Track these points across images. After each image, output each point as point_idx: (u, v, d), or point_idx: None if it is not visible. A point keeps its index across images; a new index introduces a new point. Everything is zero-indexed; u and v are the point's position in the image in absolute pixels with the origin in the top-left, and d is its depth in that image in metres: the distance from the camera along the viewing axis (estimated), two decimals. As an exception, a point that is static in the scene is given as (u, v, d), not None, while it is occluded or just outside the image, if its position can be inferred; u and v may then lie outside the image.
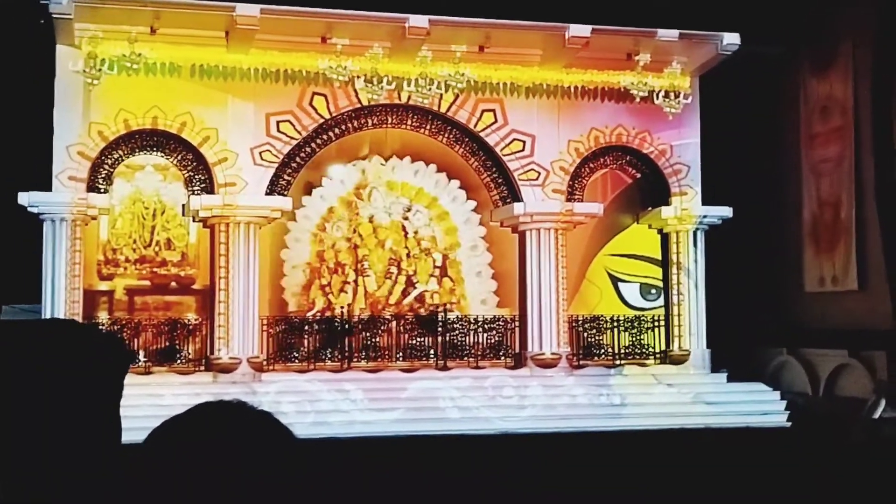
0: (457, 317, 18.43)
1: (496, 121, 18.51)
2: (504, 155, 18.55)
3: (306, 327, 17.90)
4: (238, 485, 1.69)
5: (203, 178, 17.52)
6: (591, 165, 19.08)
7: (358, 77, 17.27)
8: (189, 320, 17.46)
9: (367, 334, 18.06)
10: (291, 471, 1.75)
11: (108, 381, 1.98)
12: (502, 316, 18.66)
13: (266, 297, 17.88)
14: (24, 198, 16.37)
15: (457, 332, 18.37)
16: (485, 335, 18.54)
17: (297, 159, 17.99)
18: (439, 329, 18.23)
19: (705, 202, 18.96)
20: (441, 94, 17.89)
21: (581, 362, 18.55)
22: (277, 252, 18.28)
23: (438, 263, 18.74)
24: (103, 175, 17.20)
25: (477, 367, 18.20)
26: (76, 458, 1.90)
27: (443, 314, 18.34)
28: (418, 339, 18.26)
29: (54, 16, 15.66)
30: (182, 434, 1.76)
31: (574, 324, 18.71)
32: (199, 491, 1.68)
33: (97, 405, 1.95)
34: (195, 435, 1.75)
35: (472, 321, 18.50)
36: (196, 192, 17.46)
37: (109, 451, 1.96)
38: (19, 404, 1.88)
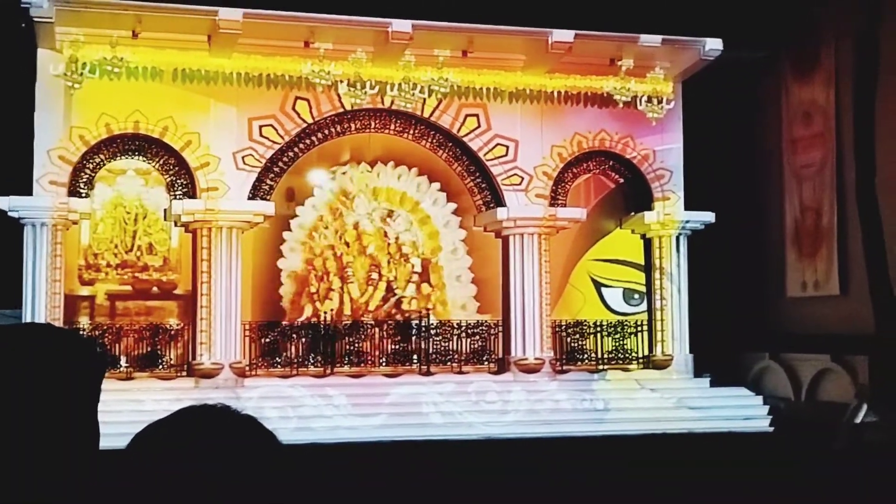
0: (437, 322, 18.40)
1: (479, 125, 18.51)
2: (487, 160, 18.55)
3: (290, 333, 17.84)
4: (223, 489, 1.67)
5: (185, 182, 17.46)
6: (575, 170, 19.11)
7: (341, 81, 17.24)
8: (171, 325, 17.38)
9: (351, 340, 18.02)
10: (276, 475, 1.73)
11: (84, 384, 1.96)
12: (485, 321, 18.66)
13: (259, 303, 17.85)
14: (4, 202, 16.29)
15: (440, 337, 18.35)
16: (468, 340, 18.52)
17: (280, 164, 17.95)
18: (414, 334, 18.19)
19: (688, 207, 19.00)
20: (424, 99, 17.88)
21: (564, 367, 18.55)
22: (271, 259, 18.22)
23: (417, 269, 18.71)
24: (84, 179, 17.12)
25: (460, 373, 18.18)
26: (53, 463, 1.87)
27: (420, 320, 18.30)
28: (401, 345, 18.23)
29: (35, 19, 15.59)
30: (166, 438, 1.74)
31: (557, 329, 18.71)
32: (184, 495, 1.66)
33: (74, 409, 1.92)
34: (179, 439, 1.72)
35: (456, 326, 18.48)
36: (178, 197, 17.40)
37: (87, 455, 1.93)
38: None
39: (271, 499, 1.70)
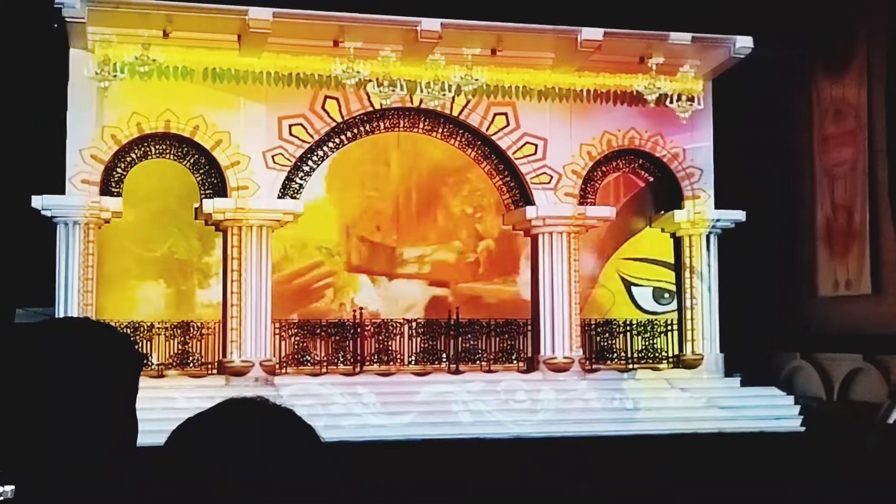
0: (466, 321, 18.38)
1: (508, 124, 18.50)
2: (516, 158, 18.53)
3: (319, 331, 17.89)
4: (265, 480, 1.68)
5: (215, 181, 17.56)
6: (604, 169, 19.06)
7: (370, 80, 17.28)
8: (201, 323, 17.47)
9: (380, 338, 18.06)
10: (318, 466, 1.74)
11: (123, 378, 1.99)
12: (515, 320, 18.63)
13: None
14: (37, 201, 16.42)
15: (469, 335, 18.34)
16: (497, 339, 18.51)
17: (310, 163, 18.00)
18: (443, 333, 18.22)
19: (718, 206, 18.90)
20: (453, 98, 17.89)
21: (594, 366, 18.51)
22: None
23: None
24: (116, 178, 17.25)
25: (489, 371, 18.17)
26: (94, 455, 1.90)
27: (450, 319, 18.30)
28: (430, 343, 18.24)
29: (68, 20, 15.72)
30: (206, 430, 1.75)
31: (587, 328, 18.67)
32: (227, 486, 1.67)
33: (112, 402, 1.95)
34: (221, 430, 1.74)
35: (485, 325, 18.47)
36: (208, 196, 17.49)
37: (127, 448, 1.96)
38: (39, 401, 1.88)
39: (313, 490, 1.72)
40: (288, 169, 17.70)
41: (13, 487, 1.86)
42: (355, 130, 18.28)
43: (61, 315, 16.01)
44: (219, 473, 1.68)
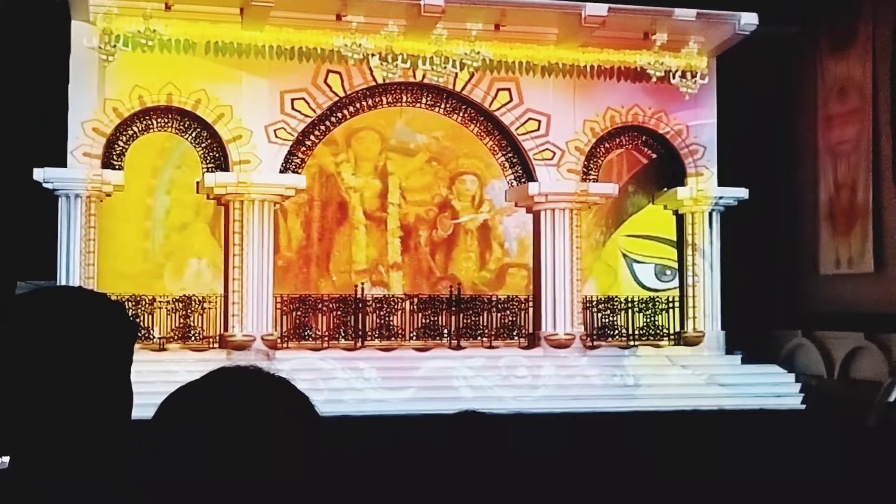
0: (468, 297, 18.38)
1: (511, 100, 18.44)
2: (519, 134, 18.49)
3: (320, 306, 17.91)
4: (257, 449, 1.67)
5: (217, 155, 17.53)
6: (607, 145, 19.02)
7: (373, 55, 17.23)
8: (203, 297, 17.47)
9: (382, 313, 18.07)
10: (311, 436, 1.73)
11: (117, 347, 1.98)
12: (516, 296, 18.63)
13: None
14: (39, 174, 16.40)
15: (470, 311, 18.35)
16: (498, 315, 18.52)
17: (312, 137, 17.97)
18: (444, 308, 18.21)
19: (721, 183, 18.87)
20: (456, 73, 17.83)
21: (595, 343, 18.53)
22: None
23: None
24: (118, 151, 17.23)
25: (490, 347, 18.20)
26: (88, 426, 1.89)
27: (451, 294, 18.30)
28: (432, 318, 18.26)
29: (69, -9, 15.65)
30: (199, 398, 1.74)
31: (588, 304, 18.67)
32: (218, 455, 1.66)
33: (107, 371, 1.94)
34: (212, 399, 1.73)
35: (486, 301, 18.48)
36: (210, 170, 17.47)
37: (121, 417, 1.95)
38: (31, 371, 1.87)
39: (307, 458, 1.71)
40: (290, 143, 17.66)
41: (7, 458, 1.85)
42: (358, 105, 18.23)
43: (63, 288, 16.01)
44: (210, 441, 1.67)
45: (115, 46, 16.29)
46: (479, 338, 18.32)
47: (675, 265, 19.24)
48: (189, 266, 17.51)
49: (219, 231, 17.68)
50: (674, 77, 18.12)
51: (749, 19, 17.76)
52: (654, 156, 19.35)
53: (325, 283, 18.09)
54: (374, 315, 18.08)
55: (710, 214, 18.93)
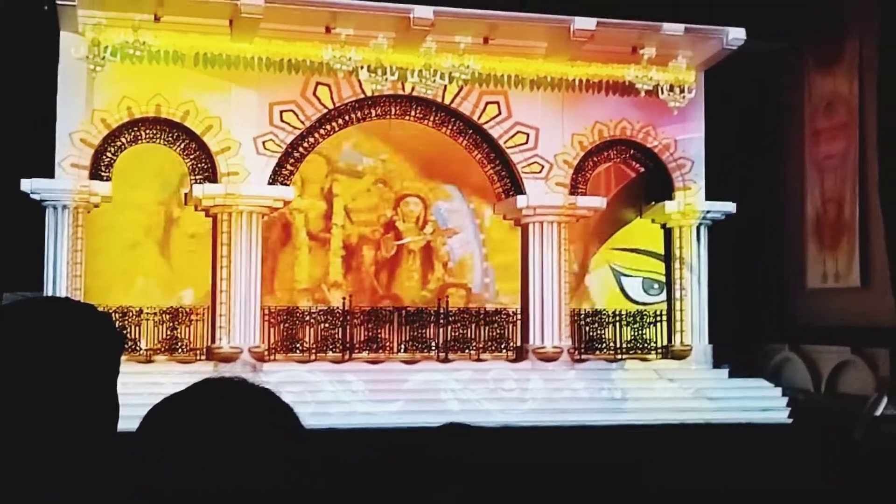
0: (455, 310, 18.39)
1: (500, 113, 18.47)
2: (508, 147, 18.52)
3: (308, 318, 17.88)
4: (241, 461, 1.67)
5: (206, 166, 17.51)
6: (595, 159, 19.06)
7: (362, 67, 17.25)
8: (190, 309, 17.43)
9: (369, 325, 18.05)
10: (295, 447, 1.73)
11: (103, 358, 1.97)
12: (504, 308, 18.64)
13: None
14: (26, 184, 16.36)
15: (458, 324, 18.35)
16: (486, 328, 18.51)
17: (300, 149, 17.97)
18: (432, 321, 18.21)
19: (709, 197, 18.92)
20: (445, 86, 17.86)
21: (582, 356, 18.53)
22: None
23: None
24: (106, 162, 17.19)
25: (478, 360, 18.19)
26: (72, 438, 1.88)
27: (438, 307, 18.31)
28: (420, 331, 18.25)
29: (58, 2, 15.65)
30: (183, 410, 1.74)
31: (576, 317, 18.68)
32: (202, 467, 1.66)
33: (92, 382, 1.93)
34: (196, 410, 1.72)
35: (474, 314, 18.48)
36: (198, 181, 17.45)
37: (106, 429, 1.94)
38: (15, 382, 1.86)
39: (290, 470, 1.70)
40: (279, 155, 17.65)
41: None
42: (347, 117, 18.24)
43: (49, 299, 15.94)
44: (195, 452, 1.66)
45: (103, 57, 16.28)
46: (466, 350, 18.31)
47: (663, 279, 19.27)
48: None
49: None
50: (662, 91, 18.18)
51: (737, 34, 17.84)
52: (642, 169, 19.40)
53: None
54: (362, 327, 18.06)
55: (698, 228, 18.98)
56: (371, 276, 18.61)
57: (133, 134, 17.36)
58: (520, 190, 18.53)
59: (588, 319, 18.83)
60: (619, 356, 18.68)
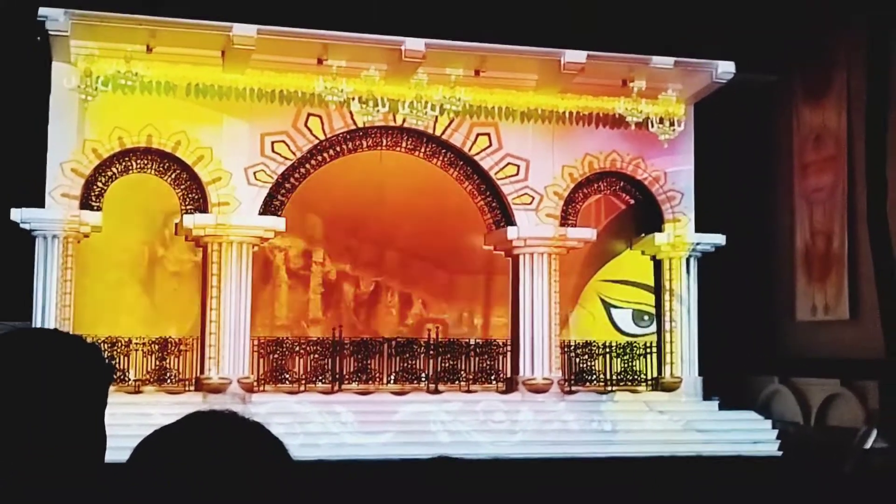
0: (446, 341, 18.36)
1: (491, 144, 18.54)
2: (498, 179, 18.57)
3: (297, 349, 17.84)
4: (230, 494, 1.67)
5: (196, 196, 17.51)
6: (585, 191, 19.12)
7: (353, 99, 17.30)
8: (179, 339, 17.36)
9: (359, 356, 18.01)
10: (284, 481, 1.73)
11: (91, 389, 1.97)
12: (494, 340, 18.63)
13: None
14: (16, 214, 16.33)
15: (448, 355, 18.32)
16: (476, 359, 18.49)
17: (292, 180, 17.99)
18: (422, 352, 18.17)
19: (698, 229, 18.98)
20: (436, 118, 17.92)
21: (573, 388, 18.50)
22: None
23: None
24: (97, 192, 17.19)
25: (468, 391, 18.14)
26: (61, 467, 1.88)
27: (429, 338, 18.28)
28: (410, 362, 18.21)
29: (51, 33, 15.68)
30: (173, 443, 1.74)
31: (566, 349, 18.67)
32: (191, 500, 1.65)
33: (80, 414, 1.93)
34: (186, 443, 1.72)
35: (464, 345, 18.46)
36: (189, 211, 17.44)
37: (94, 460, 1.93)
38: (4, 412, 1.86)
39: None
40: (269, 186, 17.67)
41: None
42: (338, 148, 18.28)
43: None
44: (184, 486, 1.66)
45: (95, 88, 16.31)
46: (456, 382, 18.27)
47: (653, 310, 19.29)
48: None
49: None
50: (652, 124, 18.26)
51: (726, 67, 17.97)
52: (632, 201, 19.46)
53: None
54: (352, 358, 18.02)
55: (688, 260, 19.02)
56: (351, 313, 18.58)
57: (124, 164, 17.37)
58: (510, 221, 18.56)
59: (578, 351, 18.82)
60: (610, 388, 18.66)
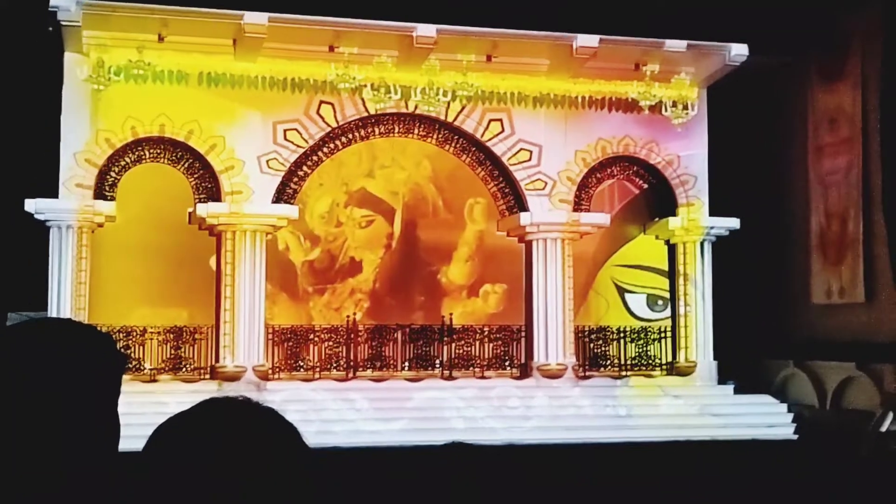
0: (460, 327, 18.37)
1: (503, 130, 18.50)
2: (511, 164, 18.53)
3: (312, 336, 17.87)
4: (245, 481, 1.67)
5: (210, 185, 17.54)
6: (599, 175, 19.07)
7: (365, 86, 17.28)
8: (194, 328, 17.41)
9: (373, 343, 18.03)
10: (299, 467, 1.73)
11: (104, 379, 1.97)
12: (508, 326, 18.62)
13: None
14: (30, 205, 16.40)
15: (462, 342, 18.33)
16: (490, 345, 18.49)
17: (304, 168, 17.99)
18: (437, 339, 18.20)
19: (713, 213, 18.92)
20: (448, 104, 17.89)
21: (587, 373, 18.50)
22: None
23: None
24: (110, 182, 17.23)
25: (483, 378, 18.15)
26: (75, 456, 1.88)
27: (443, 324, 18.29)
28: (424, 349, 18.23)
29: (63, 23, 15.71)
30: (188, 429, 1.74)
31: (580, 334, 18.66)
32: (206, 487, 1.66)
33: (94, 403, 1.93)
34: (201, 430, 1.73)
35: (478, 331, 18.46)
36: (202, 200, 17.47)
37: (108, 449, 1.94)
38: (19, 402, 1.87)
39: (294, 492, 1.70)
40: (282, 174, 17.68)
41: None
42: (350, 135, 18.28)
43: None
44: (199, 473, 1.66)
45: (108, 78, 16.34)
46: (471, 368, 18.29)
47: (667, 295, 19.25)
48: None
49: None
50: (665, 107, 18.20)
51: (739, 50, 17.87)
52: (646, 186, 19.41)
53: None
54: (367, 345, 18.05)
55: (702, 244, 18.97)
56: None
57: (137, 154, 17.40)
58: (523, 207, 18.54)
59: (593, 336, 18.80)
60: (624, 373, 18.65)
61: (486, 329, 18.53)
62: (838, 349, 17.29)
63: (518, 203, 18.69)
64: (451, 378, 18.00)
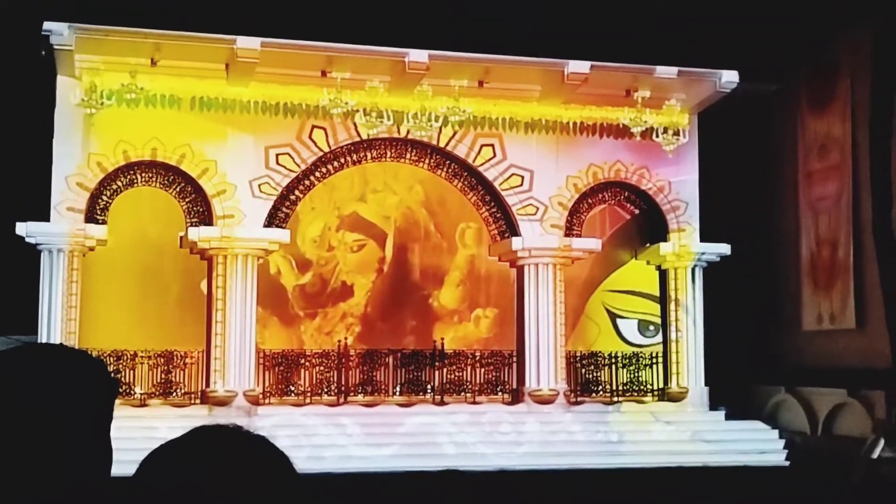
0: (451, 352, 18.34)
1: (495, 155, 18.55)
2: (503, 190, 18.57)
3: (303, 361, 17.82)
4: None
5: (201, 209, 17.53)
6: (590, 201, 19.11)
7: (357, 110, 17.31)
8: (185, 352, 17.36)
9: (365, 368, 17.99)
10: (289, 495, 1.72)
11: (96, 404, 1.96)
12: (500, 351, 18.60)
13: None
14: (21, 228, 16.36)
15: (454, 367, 18.29)
16: (482, 370, 18.46)
17: (296, 192, 18.00)
18: (428, 364, 18.17)
19: (703, 239, 18.96)
20: (440, 129, 17.93)
21: (578, 399, 18.46)
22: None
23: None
24: (102, 206, 17.21)
25: (474, 403, 18.11)
26: (68, 482, 1.87)
27: (434, 350, 18.26)
28: (416, 374, 18.19)
29: (55, 47, 15.73)
30: (178, 458, 1.73)
31: (572, 360, 18.64)
32: None
33: (86, 428, 1.93)
34: (191, 458, 1.72)
35: (470, 356, 18.43)
36: (194, 224, 17.45)
37: (100, 475, 1.93)
38: (11, 428, 1.86)
39: None
40: (274, 198, 17.69)
41: None
42: (342, 160, 18.30)
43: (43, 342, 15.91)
44: (189, 501, 1.66)
45: (100, 101, 16.34)
46: (462, 393, 18.25)
47: (659, 321, 19.26)
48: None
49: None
50: (656, 134, 18.26)
51: (730, 77, 17.97)
52: (637, 211, 19.45)
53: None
54: (358, 370, 18.00)
55: (693, 270, 19.00)
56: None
57: (129, 177, 17.39)
58: (515, 232, 18.56)
59: (584, 361, 18.79)
60: (616, 399, 18.62)
61: (477, 354, 18.51)
62: (829, 375, 17.29)
63: (510, 228, 18.71)
64: (442, 403, 17.95)
